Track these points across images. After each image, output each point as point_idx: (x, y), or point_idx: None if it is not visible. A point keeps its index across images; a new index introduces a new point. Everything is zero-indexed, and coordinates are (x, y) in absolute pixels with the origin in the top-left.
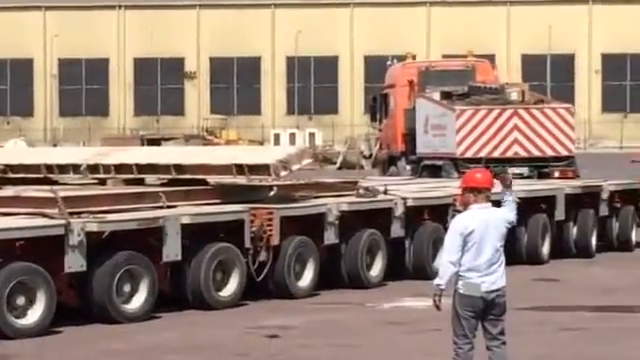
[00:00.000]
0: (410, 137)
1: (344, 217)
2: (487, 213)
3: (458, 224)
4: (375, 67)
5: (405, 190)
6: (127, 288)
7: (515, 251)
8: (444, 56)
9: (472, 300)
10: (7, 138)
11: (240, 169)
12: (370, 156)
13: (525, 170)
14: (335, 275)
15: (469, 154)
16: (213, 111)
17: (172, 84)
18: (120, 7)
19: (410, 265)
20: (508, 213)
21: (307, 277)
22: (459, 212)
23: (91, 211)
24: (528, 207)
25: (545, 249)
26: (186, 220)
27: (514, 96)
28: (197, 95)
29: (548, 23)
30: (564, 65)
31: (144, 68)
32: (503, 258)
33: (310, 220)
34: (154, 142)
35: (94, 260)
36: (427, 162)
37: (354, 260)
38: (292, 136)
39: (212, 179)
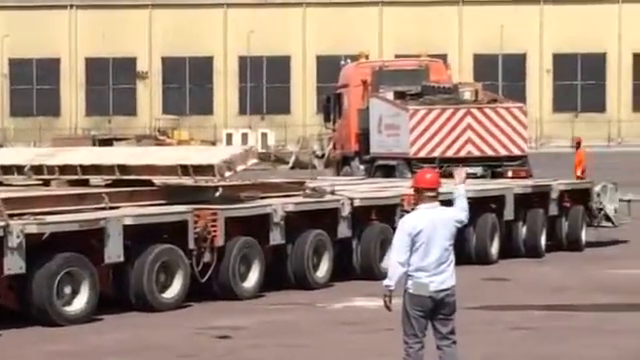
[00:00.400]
0: (364, 137)
1: (290, 217)
2: (435, 213)
3: (406, 224)
4: (327, 67)
5: (354, 190)
6: (68, 290)
7: (464, 251)
8: (397, 56)
9: (421, 299)
10: None
11: (185, 170)
12: (322, 156)
13: (479, 170)
14: (281, 276)
15: (422, 154)
16: (165, 111)
17: (124, 84)
18: (71, 7)
19: (358, 265)
20: (459, 212)
21: (252, 278)
22: (407, 212)
23: (32, 212)
24: (477, 207)
25: (494, 249)
26: (128, 221)
27: (467, 95)
28: (149, 95)
29: (500, 23)
30: (515, 65)
31: (96, 68)
32: (452, 257)
33: (255, 221)
34: (106, 142)
35: (34, 262)
36: (381, 162)
37: (300, 261)
38: (244, 136)
39: (157, 180)
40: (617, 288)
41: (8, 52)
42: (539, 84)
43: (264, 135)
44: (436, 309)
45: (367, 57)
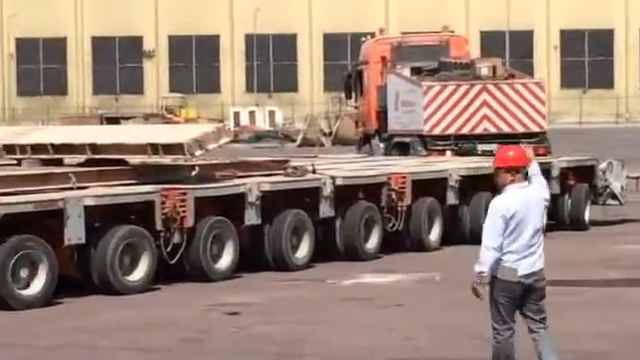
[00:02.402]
0: (383, 114)
1: (267, 197)
2: (526, 192)
3: (500, 206)
4: (334, 45)
5: (342, 169)
6: (24, 273)
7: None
8: (402, 33)
9: (509, 285)
10: None
11: (155, 148)
12: (330, 134)
13: (494, 147)
14: (259, 257)
15: (437, 131)
16: (172, 89)
17: (131, 63)
18: None
19: (341, 246)
20: (545, 190)
21: (226, 259)
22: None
23: None
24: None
25: None
26: (89, 202)
27: (485, 71)
28: (156, 73)
29: None
30: (523, 41)
31: (102, 47)
32: (542, 239)
33: (230, 200)
34: (113, 121)
35: None
36: (397, 139)
37: (278, 241)
38: (252, 114)
39: (131, 159)
40: (623, 263)
41: (15, 32)
42: (547, 60)
43: (271, 113)
44: (525, 295)
45: (382, 32)
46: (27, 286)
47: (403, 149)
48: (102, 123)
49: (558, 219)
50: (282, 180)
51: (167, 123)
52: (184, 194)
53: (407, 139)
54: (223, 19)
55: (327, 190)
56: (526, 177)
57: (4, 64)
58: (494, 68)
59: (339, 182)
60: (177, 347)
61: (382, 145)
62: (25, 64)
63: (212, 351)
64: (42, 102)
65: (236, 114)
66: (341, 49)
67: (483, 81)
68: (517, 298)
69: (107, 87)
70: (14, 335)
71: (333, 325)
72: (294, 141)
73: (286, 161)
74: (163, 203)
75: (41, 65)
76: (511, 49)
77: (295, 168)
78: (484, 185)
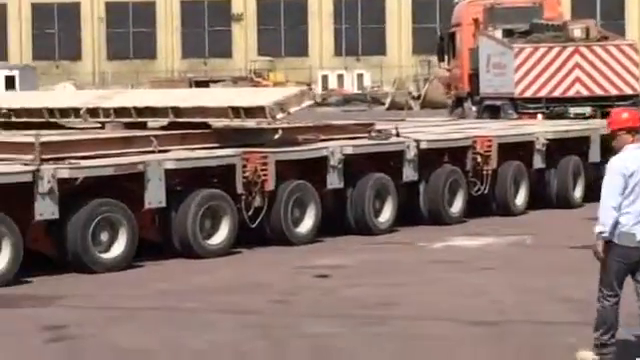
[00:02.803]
0: (475, 77)
1: (350, 160)
2: None
3: (617, 165)
4: (423, 8)
5: (429, 132)
6: (105, 237)
7: (545, 194)
8: None
9: (625, 251)
10: (56, 82)
11: (236, 112)
12: (419, 97)
13: (587, 110)
14: (342, 221)
15: (528, 94)
16: (260, 53)
17: (219, 26)
18: None
19: (425, 210)
20: None
21: (307, 223)
22: None
23: (74, 157)
24: (559, 149)
25: (577, 192)
26: (170, 165)
27: (577, 33)
28: (244, 37)
29: None
30: (614, 2)
31: (191, 11)
32: None
33: (311, 164)
34: (202, 84)
35: (68, 208)
36: (488, 102)
37: (360, 205)
38: (340, 77)
39: (213, 122)
40: None
41: None
42: (639, 22)
43: (360, 76)
44: None
45: None
46: (108, 249)
47: (494, 112)
48: (191, 87)
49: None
50: (365, 143)
51: (255, 86)
52: (265, 157)
53: (498, 102)
54: None
55: (411, 153)
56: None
57: (94, 28)
58: (587, 30)
59: (423, 146)
60: (267, 309)
61: (474, 108)
62: (115, 28)
63: (301, 313)
64: (131, 66)
65: (324, 77)
66: (430, 12)
67: (575, 43)
68: (632, 264)
69: (196, 51)
70: (102, 297)
71: (422, 287)
72: (382, 104)
73: (370, 124)
74: (244, 166)
75: (130, 29)
76: (602, 10)
77: (379, 131)
78: (572, 149)
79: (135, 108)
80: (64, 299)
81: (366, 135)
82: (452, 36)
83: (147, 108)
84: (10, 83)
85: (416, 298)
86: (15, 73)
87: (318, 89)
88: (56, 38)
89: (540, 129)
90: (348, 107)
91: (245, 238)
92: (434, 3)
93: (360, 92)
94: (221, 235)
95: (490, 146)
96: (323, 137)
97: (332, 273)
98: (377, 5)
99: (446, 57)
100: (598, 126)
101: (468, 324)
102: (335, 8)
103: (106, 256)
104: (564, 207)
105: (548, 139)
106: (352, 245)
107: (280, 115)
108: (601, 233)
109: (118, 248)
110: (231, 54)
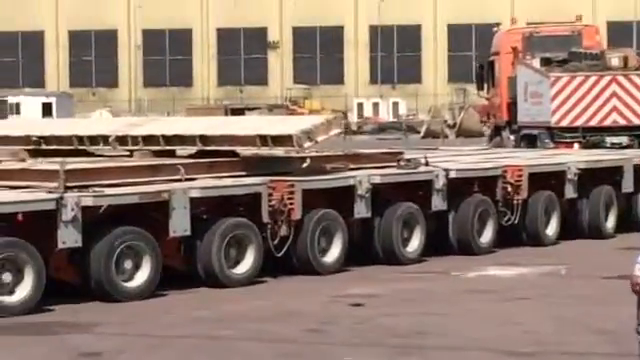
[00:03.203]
0: (514, 106)
1: (378, 189)
2: None
3: None
4: (459, 35)
5: (458, 161)
6: (128, 265)
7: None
8: (528, 24)
9: None
10: (93, 109)
11: (264, 140)
12: (454, 125)
13: (624, 139)
14: (369, 250)
15: (565, 123)
16: (296, 81)
17: (255, 54)
18: None
19: (454, 240)
20: None
21: (334, 252)
22: None
23: (101, 185)
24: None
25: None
26: (195, 194)
27: (615, 62)
28: (280, 65)
29: None
30: None
31: (227, 38)
32: None
33: (339, 193)
34: (238, 112)
35: (92, 236)
36: (525, 131)
37: (388, 235)
38: (375, 105)
39: (241, 151)
40: None
41: (141, 23)
42: None
43: (395, 104)
44: None
45: (514, 22)
46: (131, 278)
47: (531, 141)
48: (227, 114)
49: None
50: (393, 172)
51: (291, 114)
52: (292, 186)
53: (535, 131)
54: (347, 10)
55: (440, 183)
56: None
57: (131, 55)
58: (625, 59)
59: (452, 175)
60: (301, 337)
61: (512, 137)
62: (151, 55)
63: (336, 342)
64: (168, 93)
65: (360, 105)
66: (465, 40)
67: (613, 72)
68: None
69: (232, 78)
70: (137, 325)
71: (456, 317)
72: (418, 132)
73: (399, 153)
74: (270, 195)
75: (167, 56)
76: (639, 40)
77: (408, 160)
78: (604, 178)
79: (163, 136)
80: (99, 326)
81: (395, 164)
82: (491, 64)
83: (175, 136)
84: (47, 110)
85: (451, 327)
86: (52, 100)
87: (354, 117)
88: (93, 65)
89: (572, 159)
90: (383, 135)
91: (271, 267)
92: (470, 31)
93: (395, 120)
94: (246, 264)
95: (521, 176)
96: (352, 166)
97: (366, 302)
98: (413, 33)
99: (485, 86)
100: (631, 156)
101: (504, 354)
102: (371, 36)
103: (129, 285)
104: (596, 237)
105: (580, 169)
106: (382, 274)
107: (308, 144)
108: None
109: (142, 277)
110: (267, 82)
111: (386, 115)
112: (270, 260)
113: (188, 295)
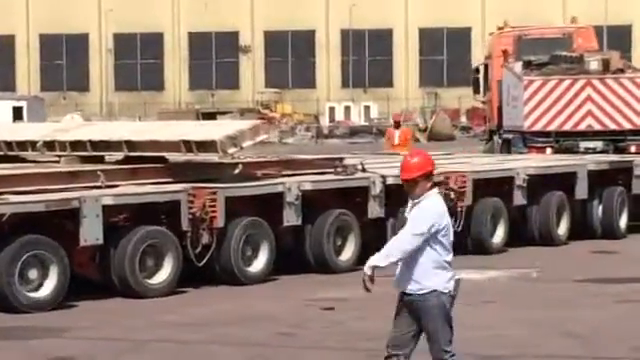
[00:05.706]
0: (501, 110)
1: (309, 196)
2: None
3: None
4: (430, 39)
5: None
6: (33, 275)
7: (527, 231)
8: (498, 28)
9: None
10: (64, 113)
11: (188, 146)
12: (426, 129)
13: (599, 144)
14: (301, 259)
15: (537, 127)
16: (268, 85)
17: (227, 58)
18: None
19: None
20: None
21: (260, 261)
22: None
23: (17, 191)
24: (543, 184)
25: (561, 230)
26: (108, 201)
27: (594, 65)
28: (252, 69)
29: None
30: (621, 36)
31: (199, 42)
32: None
33: (268, 200)
34: (210, 116)
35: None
36: (505, 136)
37: (319, 243)
38: (347, 109)
39: (169, 156)
40: None
41: (112, 27)
42: None
43: (367, 108)
44: None
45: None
46: (37, 288)
47: (508, 146)
48: (198, 118)
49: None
50: (326, 179)
51: (262, 118)
52: (214, 193)
53: (510, 136)
54: (319, 14)
55: (376, 189)
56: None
57: (102, 59)
58: (606, 62)
59: (390, 181)
60: (272, 341)
61: (500, 141)
62: (122, 59)
63: (305, 345)
64: (139, 97)
65: (331, 109)
66: (437, 44)
67: (588, 76)
68: None
69: (203, 82)
70: (107, 329)
71: None
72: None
73: (338, 159)
74: (191, 202)
75: (138, 60)
76: (609, 44)
77: (344, 166)
78: (556, 184)
79: (90, 141)
80: (70, 331)
81: (331, 170)
82: (486, 68)
83: (102, 142)
84: (18, 114)
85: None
86: (23, 104)
87: (325, 121)
88: (64, 69)
89: (521, 164)
90: (355, 139)
91: (195, 277)
92: (441, 36)
93: (367, 124)
94: (164, 274)
95: (465, 182)
96: (288, 172)
97: (337, 306)
98: (384, 37)
99: (482, 89)
100: (585, 162)
101: (476, 358)
102: (342, 40)
103: (33, 295)
104: (548, 244)
105: (529, 174)
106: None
107: (232, 149)
108: None
109: (49, 286)
110: (239, 86)
111: (357, 119)
112: (194, 270)
113: (154, 300)
